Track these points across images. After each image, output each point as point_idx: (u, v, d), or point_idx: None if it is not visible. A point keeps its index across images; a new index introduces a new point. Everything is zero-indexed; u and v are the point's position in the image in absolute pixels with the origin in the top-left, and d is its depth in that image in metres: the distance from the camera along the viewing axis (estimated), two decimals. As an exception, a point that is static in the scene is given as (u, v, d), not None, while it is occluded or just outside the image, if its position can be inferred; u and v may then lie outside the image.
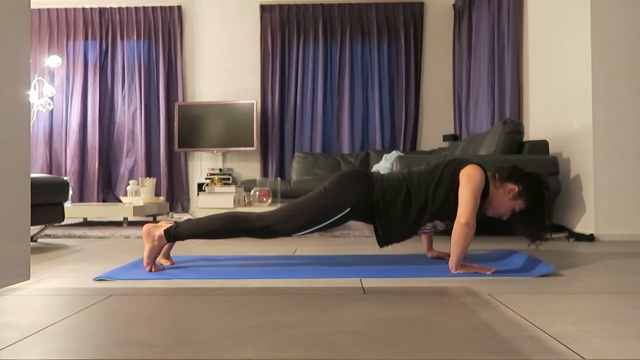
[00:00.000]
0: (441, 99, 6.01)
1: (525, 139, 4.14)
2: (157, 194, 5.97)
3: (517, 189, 2.06)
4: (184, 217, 5.39)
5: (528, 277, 1.86)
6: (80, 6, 6.14)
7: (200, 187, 5.68)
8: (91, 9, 6.13)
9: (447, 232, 2.11)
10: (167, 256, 2.20)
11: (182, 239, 2.03)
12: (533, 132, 4.12)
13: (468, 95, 5.40)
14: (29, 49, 1.81)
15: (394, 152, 5.12)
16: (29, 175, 1.81)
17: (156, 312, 1.37)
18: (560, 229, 3.40)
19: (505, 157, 3.31)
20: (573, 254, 2.50)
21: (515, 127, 3.48)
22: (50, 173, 6.11)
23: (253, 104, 5.82)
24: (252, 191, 4.22)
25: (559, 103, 3.67)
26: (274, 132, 5.97)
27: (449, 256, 2.07)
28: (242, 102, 5.87)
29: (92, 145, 6.05)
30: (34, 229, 3.34)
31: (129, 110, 6.11)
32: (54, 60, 5.80)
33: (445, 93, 6.00)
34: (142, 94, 6.05)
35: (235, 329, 1.20)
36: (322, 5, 5.99)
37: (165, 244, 2.05)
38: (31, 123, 5.86)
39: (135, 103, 6.10)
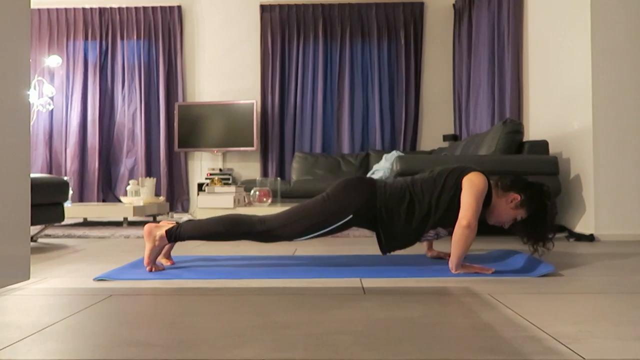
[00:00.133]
0: (441, 99, 6.01)
1: (525, 139, 4.14)
2: (157, 194, 5.97)
3: (519, 198, 2.06)
4: (184, 217, 5.39)
5: (528, 277, 1.86)
6: (80, 6, 6.14)
7: (200, 187, 5.68)
8: (91, 9, 6.13)
9: (448, 234, 2.11)
10: (168, 256, 2.21)
11: (183, 239, 2.03)
12: (533, 132, 4.12)
13: (468, 95, 5.40)
14: (29, 49, 1.81)
15: (394, 152, 5.12)
16: (29, 175, 1.81)
17: (156, 312, 1.37)
18: (561, 229, 3.40)
19: (505, 157, 3.31)
20: (573, 254, 2.50)
21: (515, 127, 3.48)
22: (50, 173, 6.11)
23: (253, 104, 5.82)
24: (252, 191, 4.22)
25: (559, 103, 3.67)
26: (274, 132, 5.97)
27: (449, 256, 2.07)
28: (242, 102, 5.87)
29: (92, 145, 6.05)
30: (34, 229, 3.34)
31: (129, 110, 6.11)
32: (54, 60, 5.80)
33: (445, 93, 6.00)
34: (142, 94, 6.05)
35: (235, 329, 1.20)
36: (322, 5, 5.99)
37: (166, 244, 2.06)
38: (31, 123, 5.86)
39: (135, 103, 6.10)
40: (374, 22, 5.96)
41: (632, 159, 3.19)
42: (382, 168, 4.90)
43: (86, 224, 4.62)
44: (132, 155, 6.10)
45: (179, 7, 6.08)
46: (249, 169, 6.10)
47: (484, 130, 4.81)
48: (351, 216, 2.02)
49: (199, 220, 2.06)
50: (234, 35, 6.10)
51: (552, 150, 3.75)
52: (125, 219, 4.32)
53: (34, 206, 2.72)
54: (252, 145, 5.81)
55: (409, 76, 5.94)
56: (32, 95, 5.76)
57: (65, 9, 6.15)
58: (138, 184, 4.87)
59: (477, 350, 1.04)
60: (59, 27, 6.15)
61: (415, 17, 5.97)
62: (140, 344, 1.09)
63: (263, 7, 6.01)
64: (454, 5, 5.93)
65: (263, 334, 1.15)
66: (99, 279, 1.87)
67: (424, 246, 2.41)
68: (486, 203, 2.03)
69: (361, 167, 5.62)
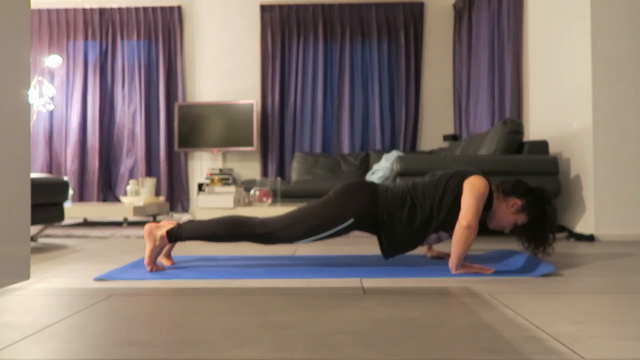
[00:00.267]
0: (441, 99, 6.01)
1: (525, 139, 4.14)
2: (157, 194, 5.98)
3: (520, 203, 2.06)
4: (184, 217, 5.39)
5: (528, 277, 1.86)
6: (80, 6, 6.14)
7: (200, 187, 5.67)
8: (91, 9, 6.13)
9: (450, 238, 2.11)
10: (168, 256, 2.21)
11: (184, 240, 2.03)
12: (533, 132, 4.12)
13: (468, 96, 5.40)
14: (29, 49, 1.81)
15: (393, 152, 5.12)
16: (29, 175, 1.81)
17: (156, 312, 1.37)
18: (561, 229, 3.40)
19: (505, 157, 3.31)
20: (573, 254, 2.50)
21: (515, 127, 3.48)
22: (50, 173, 6.11)
23: (253, 104, 5.82)
24: (252, 191, 4.22)
25: (559, 103, 3.67)
26: (273, 132, 5.97)
27: (449, 256, 2.07)
28: (242, 102, 5.87)
29: (92, 145, 6.05)
30: (34, 229, 3.34)
31: (129, 110, 6.11)
32: (54, 60, 5.80)
33: (445, 93, 6.00)
34: (142, 94, 6.05)
35: (235, 329, 1.20)
36: (322, 5, 5.99)
37: (167, 245, 2.06)
38: (31, 123, 5.86)
39: (135, 103, 6.10)
40: (374, 22, 5.96)
41: (632, 159, 3.19)
42: (382, 168, 4.90)
43: (86, 224, 4.62)
44: (132, 155, 6.10)
45: (179, 8, 6.08)
46: (249, 169, 6.10)
47: (484, 130, 4.81)
48: (352, 220, 2.02)
49: (200, 221, 2.07)
50: (234, 36, 6.10)
51: (552, 150, 3.75)
52: (125, 219, 4.32)
53: (34, 206, 2.72)
54: (252, 145, 5.81)
55: (409, 76, 5.94)
56: (32, 95, 5.76)
57: (65, 9, 6.15)
58: (138, 183, 4.87)
59: (477, 350, 1.04)
60: (59, 27, 6.15)
61: (415, 17, 5.96)
62: (140, 344, 1.09)
63: (263, 8, 6.01)
64: (454, 5, 5.93)
65: (263, 334, 1.15)
66: (99, 279, 1.87)
67: (424, 246, 2.41)
68: (487, 207, 2.04)
69: (361, 167, 5.62)
